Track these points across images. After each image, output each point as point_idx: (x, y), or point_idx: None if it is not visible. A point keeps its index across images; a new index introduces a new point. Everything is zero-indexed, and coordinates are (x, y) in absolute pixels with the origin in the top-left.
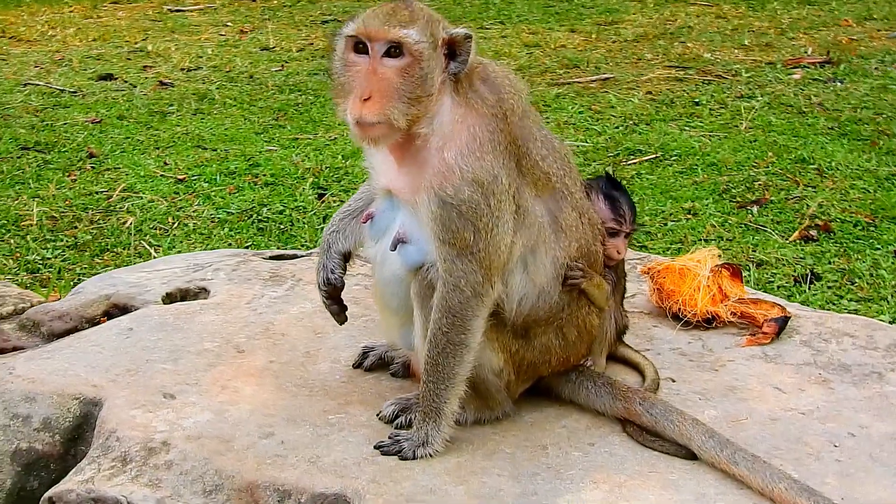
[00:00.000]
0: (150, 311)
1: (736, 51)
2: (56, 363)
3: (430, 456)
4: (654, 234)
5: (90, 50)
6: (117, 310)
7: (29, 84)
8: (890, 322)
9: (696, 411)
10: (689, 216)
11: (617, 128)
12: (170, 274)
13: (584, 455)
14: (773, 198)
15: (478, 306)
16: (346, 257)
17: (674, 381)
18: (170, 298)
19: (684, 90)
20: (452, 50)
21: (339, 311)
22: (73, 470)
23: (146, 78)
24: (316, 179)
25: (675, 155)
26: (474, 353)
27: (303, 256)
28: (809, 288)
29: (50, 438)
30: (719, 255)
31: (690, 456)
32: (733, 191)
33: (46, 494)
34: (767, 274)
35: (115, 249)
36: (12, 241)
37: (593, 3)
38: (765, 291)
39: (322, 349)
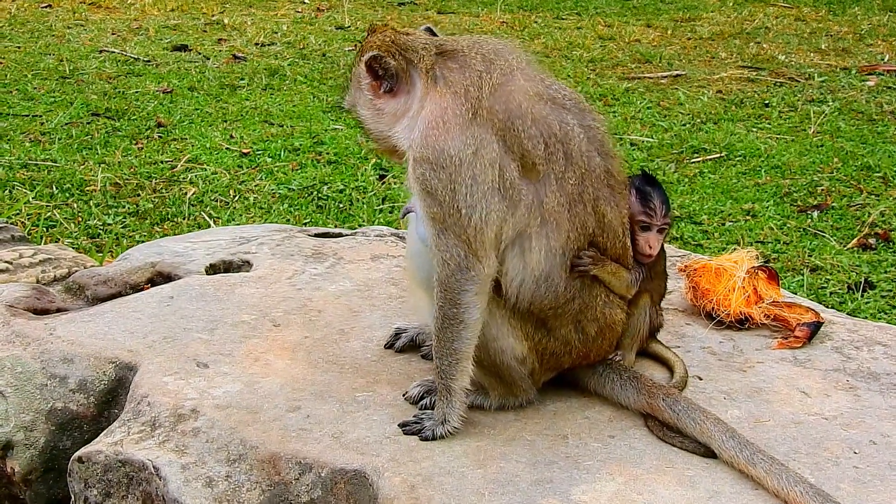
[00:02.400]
0: (192, 280)
1: (811, 54)
2: (96, 327)
3: (450, 434)
4: (711, 233)
5: (167, 20)
6: (161, 278)
7: (105, 51)
8: None
9: (719, 410)
10: (747, 217)
11: (684, 125)
12: (215, 245)
13: (603, 446)
14: (834, 203)
15: (465, 280)
16: None
17: (700, 379)
18: (213, 269)
19: (755, 91)
20: (374, 73)
21: None
22: (104, 432)
23: (220, 51)
24: (379, 160)
25: (740, 155)
26: (471, 329)
27: (347, 235)
28: (862, 296)
29: (84, 400)
30: (756, 257)
31: (710, 454)
32: (795, 194)
33: (76, 454)
34: (821, 280)
35: (174, 219)
36: (75, 205)
37: None
38: (817, 297)
39: (356, 328)
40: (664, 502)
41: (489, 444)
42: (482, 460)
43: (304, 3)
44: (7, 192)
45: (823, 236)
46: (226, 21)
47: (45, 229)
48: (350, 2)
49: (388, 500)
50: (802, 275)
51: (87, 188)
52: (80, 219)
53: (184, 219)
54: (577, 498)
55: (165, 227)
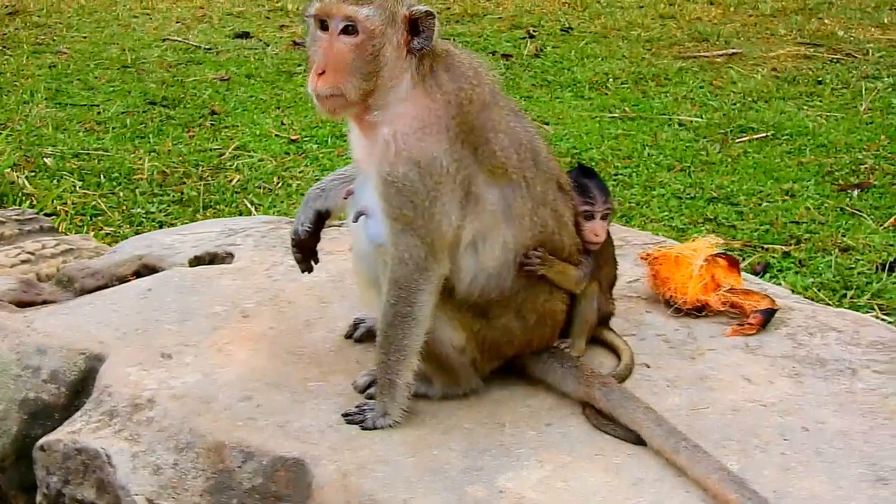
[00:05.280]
0: (173, 273)
1: (872, 29)
2: (72, 319)
3: (390, 426)
4: (746, 214)
5: (232, 7)
6: (147, 270)
7: (168, 40)
8: None
9: (660, 398)
10: (786, 197)
11: (734, 104)
12: (203, 238)
13: (538, 434)
14: (876, 182)
15: (422, 280)
16: (324, 216)
17: (648, 366)
18: (197, 261)
19: (810, 68)
20: (415, 26)
21: (302, 259)
22: (67, 421)
23: (280, 37)
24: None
25: (787, 135)
26: (423, 326)
27: (333, 226)
28: (888, 275)
29: (56, 390)
30: (717, 245)
31: (641, 442)
32: (837, 173)
33: (39, 442)
34: (850, 260)
35: (217, 206)
36: (121, 193)
37: None
38: (843, 278)
39: (323, 318)
40: (587, 489)
41: (427, 433)
42: (418, 449)
43: None
44: (55, 181)
45: (860, 215)
46: (289, 7)
47: (89, 218)
48: None
49: (321, 487)
50: (831, 255)
51: (135, 177)
52: (124, 207)
53: (227, 206)
54: (502, 485)
55: (208, 214)
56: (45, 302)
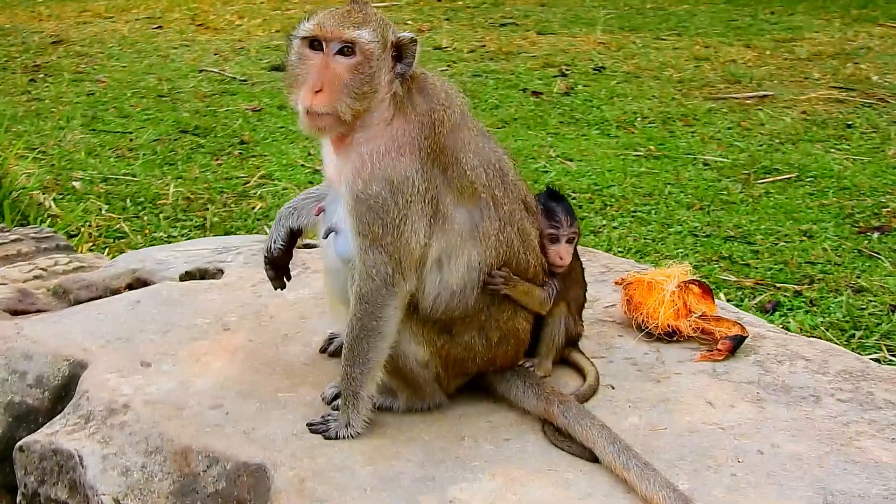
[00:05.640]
0: (162, 286)
1: None
2: (60, 327)
3: (352, 437)
4: (761, 253)
5: (270, 40)
6: (139, 283)
7: (204, 70)
8: None
9: (620, 417)
10: (803, 238)
11: (760, 145)
12: (196, 255)
13: (495, 448)
14: None
15: (388, 296)
16: (295, 234)
17: (613, 388)
18: (188, 276)
19: (840, 112)
20: (399, 52)
21: (275, 276)
22: (47, 424)
23: None
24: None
25: (811, 176)
26: (388, 341)
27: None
28: None
29: (40, 394)
30: (690, 272)
31: (595, 459)
32: (858, 216)
33: (18, 443)
34: (863, 301)
35: (237, 232)
36: (145, 217)
37: (778, 19)
38: (853, 318)
39: (300, 333)
40: (536, 501)
41: (387, 444)
42: (375, 458)
43: (407, 24)
44: (81, 203)
45: (878, 258)
46: None
47: (112, 240)
48: (452, 23)
49: (278, 492)
50: (843, 295)
51: (160, 202)
52: (147, 231)
53: (248, 232)
54: (453, 495)
55: None
56: (38, 311)
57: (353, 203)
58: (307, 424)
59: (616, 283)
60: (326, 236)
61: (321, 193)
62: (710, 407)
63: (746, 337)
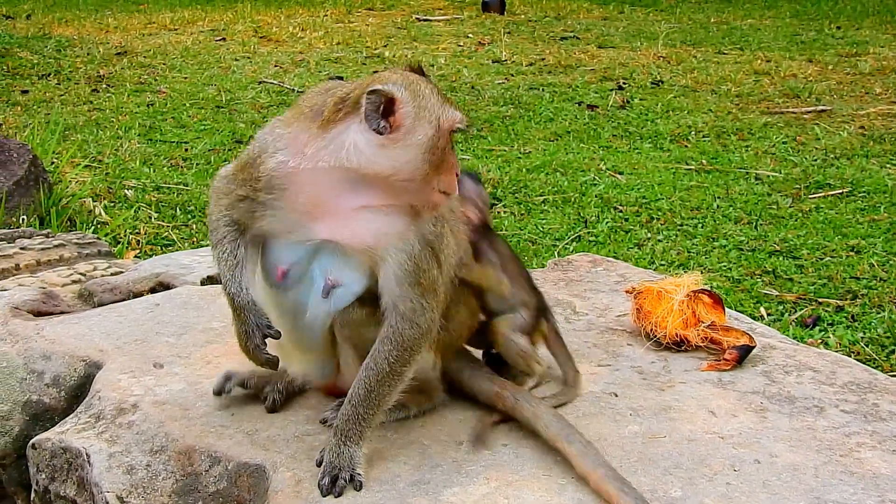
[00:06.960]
0: (182, 290)
1: None
2: (79, 328)
3: (357, 488)
4: (806, 268)
5: (331, 53)
6: (162, 287)
7: (263, 82)
8: None
9: (620, 426)
10: (850, 253)
11: (815, 160)
12: None
13: (491, 453)
14: None
15: (426, 341)
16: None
17: (616, 395)
18: (209, 280)
19: None
20: None
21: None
22: (59, 422)
23: None
24: (494, 190)
25: (864, 192)
26: (406, 382)
27: None
28: None
29: (56, 393)
30: (701, 282)
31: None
32: None
33: (31, 441)
34: None
35: None
36: (194, 226)
37: (844, 34)
38: (894, 333)
39: None
40: None
41: (385, 447)
42: (373, 461)
43: (468, 37)
44: (133, 211)
45: None
46: (387, 54)
47: (160, 248)
48: (512, 36)
49: (276, 492)
50: (885, 311)
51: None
52: (195, 239)
53: None
54: (446, 499)
55: None
56: (62, 313)
57: (421, 249)
58: (318, 485)
59: (626, 292)
60: (328, 294)
61: (240, 259)
62: (712, 416)
63: (754, 347)
